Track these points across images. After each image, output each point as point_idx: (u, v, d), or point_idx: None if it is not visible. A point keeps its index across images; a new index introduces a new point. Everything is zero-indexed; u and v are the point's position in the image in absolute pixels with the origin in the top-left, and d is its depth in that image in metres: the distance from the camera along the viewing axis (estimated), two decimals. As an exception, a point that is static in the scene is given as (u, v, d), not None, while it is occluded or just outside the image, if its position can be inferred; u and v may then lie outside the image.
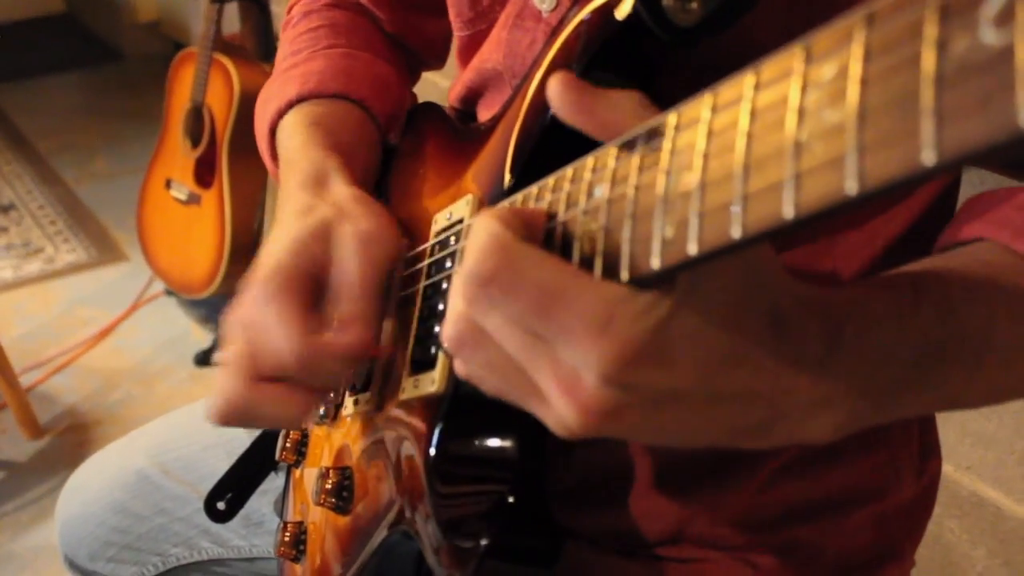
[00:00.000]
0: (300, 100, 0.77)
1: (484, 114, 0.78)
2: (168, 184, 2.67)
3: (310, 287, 0.62)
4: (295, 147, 0.73)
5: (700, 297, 0.42)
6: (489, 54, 0.74)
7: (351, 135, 0.77)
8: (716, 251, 0.37)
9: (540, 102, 0.59)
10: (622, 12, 0.52)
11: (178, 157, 2.64)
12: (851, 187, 0.31)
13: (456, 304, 0.45)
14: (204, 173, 2.58)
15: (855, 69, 0.31)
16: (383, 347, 0.68)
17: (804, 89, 0.34)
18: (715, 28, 0.49)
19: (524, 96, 0.61)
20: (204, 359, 2.66)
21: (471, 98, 0.80)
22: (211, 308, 2.83)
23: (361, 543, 0.69)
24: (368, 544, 0.68)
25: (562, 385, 0.42)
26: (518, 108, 0.62)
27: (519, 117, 0.61)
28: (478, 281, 0.42)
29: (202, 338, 2.76)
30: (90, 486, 1.05)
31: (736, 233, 0.35)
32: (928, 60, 0.28)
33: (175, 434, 1.04)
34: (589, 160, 0.46)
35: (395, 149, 0.83)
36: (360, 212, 0.64)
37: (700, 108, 0.39)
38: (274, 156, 0.79)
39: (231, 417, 0.61)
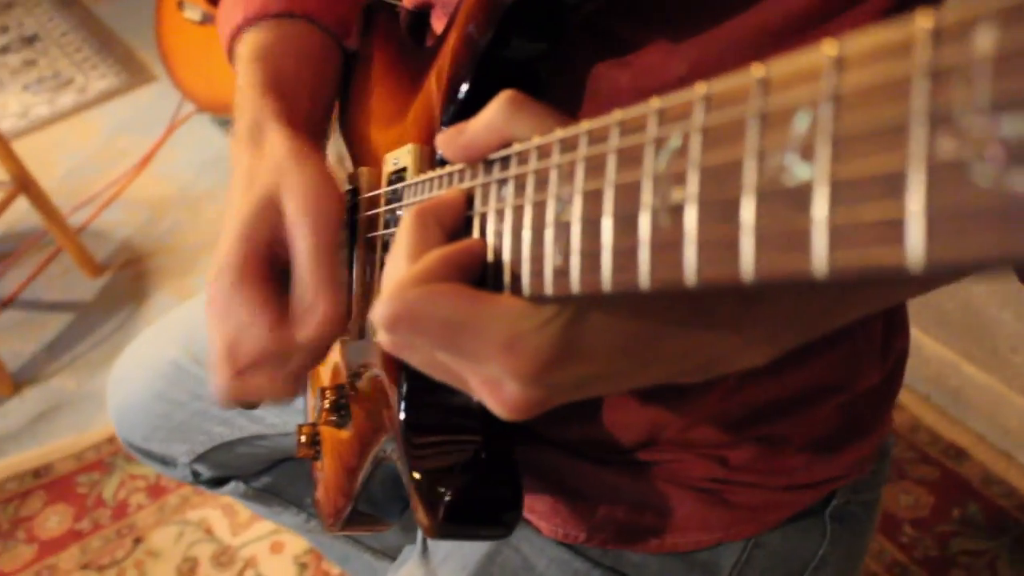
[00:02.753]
0: (247, 24, 0.74)
1: (438, 26, 0.75)
2: (180, 5, 2.60)
3: (269, 267, 0.63)
4: (240, 88, 0.72)
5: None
6: None
7: (297, 61, 0.74)
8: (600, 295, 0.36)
9: (463, 54, 0.58)
10: None
11: (185, -25, 2.56)
12: (747, 274, 0.28)
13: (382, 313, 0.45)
14: (214, -11, 2.50)
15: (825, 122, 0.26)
16: (351, 327, 0.70)
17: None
18: None
19: (450, 42, 0.60)
20: (246, 177, 2.66)
21: (423, 7, 0.76)
22: (246, 124, 2.82)
23: (363, 455, 0.72)
24: (369, 456, 0.71)
25: (487, 389, 0.45)
26: (448, 53, 0.60)
27: (447, 66, 0.60)
28: (386, 327, 0.44)
29: (242, 156, 2.75)
30: (132, 377, 1.11)
31: (644, 284, 0.33)
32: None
33: (199, 323, 1.06)
34: (498, 154, 0.46)
35: (356, 54, 0.80)
36: (297, 178, 0.63)
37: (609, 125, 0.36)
38: None
39: (231, 404, 0.66)
